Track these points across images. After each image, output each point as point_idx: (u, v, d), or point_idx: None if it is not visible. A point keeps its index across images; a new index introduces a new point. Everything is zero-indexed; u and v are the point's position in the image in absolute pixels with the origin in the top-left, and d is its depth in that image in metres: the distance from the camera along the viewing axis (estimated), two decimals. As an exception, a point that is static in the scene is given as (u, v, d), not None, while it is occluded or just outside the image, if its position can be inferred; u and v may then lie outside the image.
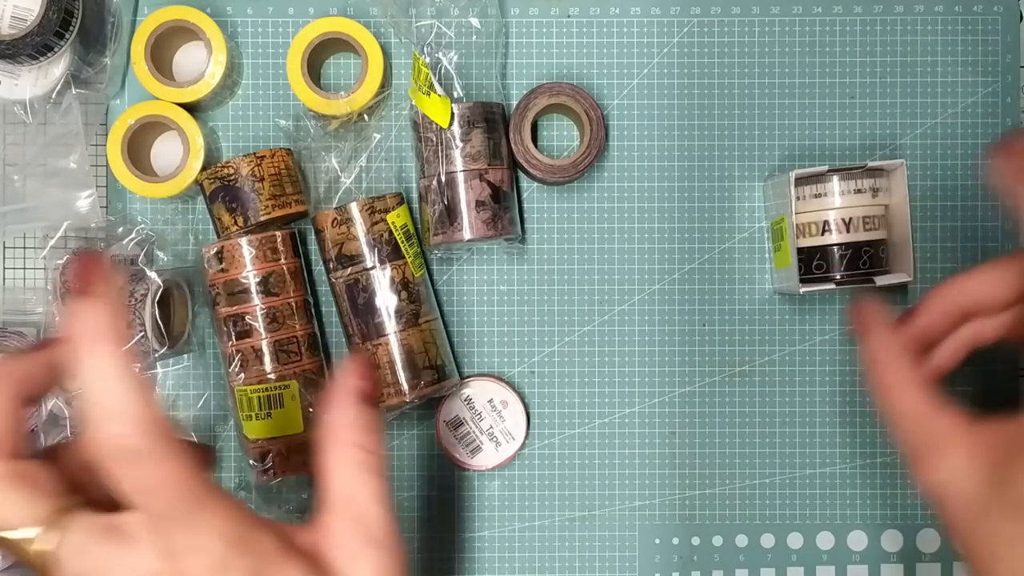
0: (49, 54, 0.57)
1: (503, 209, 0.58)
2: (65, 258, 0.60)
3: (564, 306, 0.63)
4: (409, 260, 0.59)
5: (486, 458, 0.61)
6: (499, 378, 0.62)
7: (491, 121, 0.58)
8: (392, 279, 0.58)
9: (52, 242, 0.59)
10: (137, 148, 0.60)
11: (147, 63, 0.59)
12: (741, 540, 0.63)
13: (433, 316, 0.60)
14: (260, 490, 0.60)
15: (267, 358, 0.57)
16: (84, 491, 0.35)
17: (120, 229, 0.60)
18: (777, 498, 0.63)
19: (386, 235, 0.58)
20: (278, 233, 0.58)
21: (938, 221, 0.63)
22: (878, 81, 0.63)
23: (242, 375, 0.57)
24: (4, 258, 0.64)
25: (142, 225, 0.60)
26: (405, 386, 0.58)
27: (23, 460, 0.35)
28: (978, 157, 0.63)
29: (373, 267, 0.58)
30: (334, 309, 0.61)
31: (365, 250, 0.58)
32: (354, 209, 0.58)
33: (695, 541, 0.63)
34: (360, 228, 0.58)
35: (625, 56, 0.63)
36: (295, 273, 0.59)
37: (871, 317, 0.46)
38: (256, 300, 0.57)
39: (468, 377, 0.62)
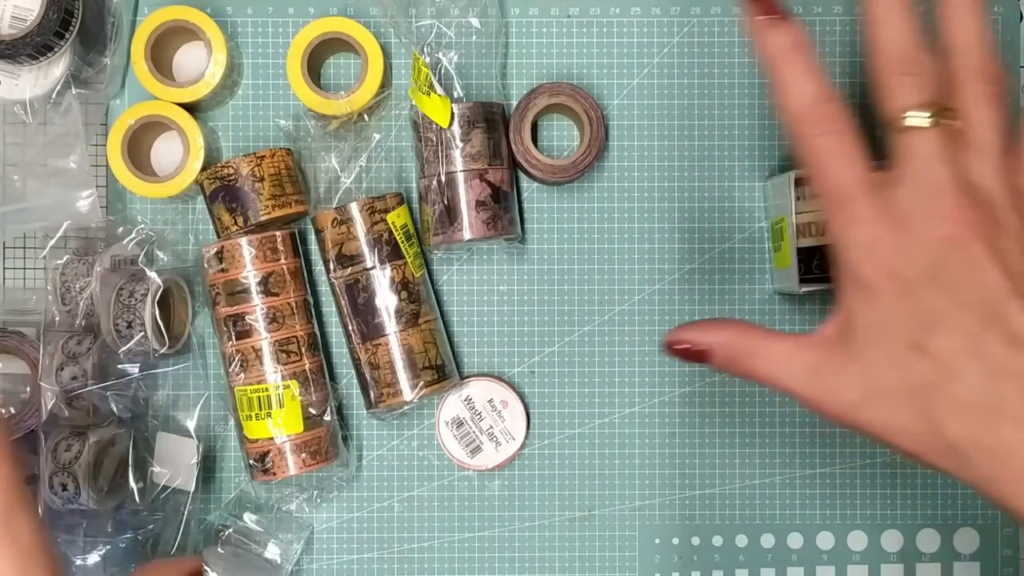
0: (49, 54, 0.57)
1: (503, 209, 0.59)
2: (65, 258, 0.60)
3: (564, 306, 0.63)
4: (409, 260, 0.59)
5: (486, 458, 0.61)
6: (499, 378, 0.62)
7: (491, 121, 0.58)
8: (392, 279, 0.58)
9: (52, 242, 0.59)
10: (137, 148, 0.60)
11: (147, 63, 0.59)
12: (741, 540, 0.63)
13: (433, 316, 0.60)
14: (260, 490, 0.60)
15: (267, 358, 0.57)
16: None
17: (120, 229, 0.60)
18: (777, 498, 0.63)
19: (386, 235, 0.58)
20: (278, 233, 0.58)
21: (938, 221, 0.63)
22: (878, 81, 0.63)
23: (242, 375, 0.57)
24: (4, 258, 0.64)
25: (142, 225, 0.60)
26: (405, 386, 0.58)
27: None
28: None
29: (373, 267, 0.58)
30: (334, 309, 0.61)
31: (365, 250, 0.58)
32: (354, 209, 0.58)
33: (695, 541, 0.63)
34: (360, 228, 0.58)
35: (625, 56, 0.63)
36: (295, 273, 0.59)
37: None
38: (256, 300, 0.57)
39: (468, 377, 0.62)
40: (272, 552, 0.60)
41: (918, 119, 0.39)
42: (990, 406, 0.36)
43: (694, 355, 0.44)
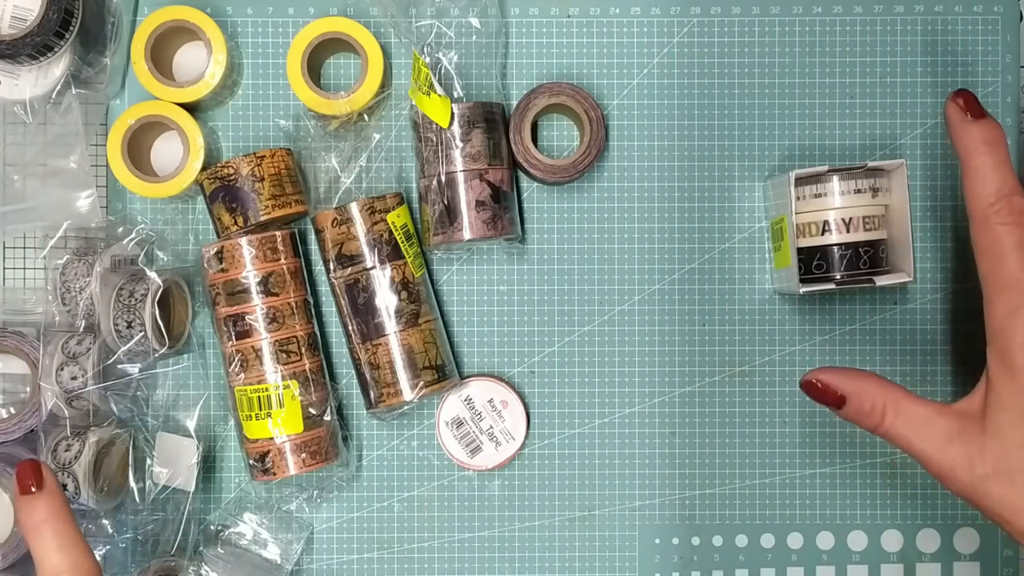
0: (49, 54, 0.57)
1: (503, 209, 0.59)
2: (65, 258, 0.60)
3: (564, 306, 0.63)
4: (409, 260, 0.59)
5: (486, 458, 0.61)
6: (499, 378, 0.62)
7: (491, 121, 0.58)
8: (392, 279, 0.58)
9: (52, 242, 0.59)
10: (137, 148, 0.60)
11: (147, 63, 0.59)
12: (741, 540, 0.63)
13: (433, 316, 0.60)
14: (260, 490, 0.60)
15: (267, 358, 0.57)
16: None
17: (120, 229, 0.60)
18: (777, 498, 0.63)
19: (386, 235, 0.58)
20: (278, 233, 0.58)
21: (938, 221, 0.63)
22: (878, 81, 0.63)
23: (242, 375, 0.57)
24: (4, 258, 0.64)
25: (142, 225, 0.60)
26: (405, 386, 0.58)
27: None
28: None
29: (373, 267, 0.58)
30: (334, 309, 0.61)
31: (365, 250, 0.58)
32: (354, 209, 0.58)
33: (695, 541, 0.63)
34: (360, 228, 0.58)
35: (625, 56, 0.63)
36: (295, 273, 0.59)
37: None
38: (256, 300, 0.57)
39: (468, 377, 0.62)
40: (272, 552, 0.60)
41: None
42: None
43: (830, 398, 0.46)
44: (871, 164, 0.57)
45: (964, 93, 0.47)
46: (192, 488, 0.59)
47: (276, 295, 0.57)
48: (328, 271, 0.59)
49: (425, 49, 0.59)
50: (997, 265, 0.43)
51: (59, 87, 0.58)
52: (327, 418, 0.58)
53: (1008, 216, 0.43)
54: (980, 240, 0.44)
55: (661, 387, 0.63)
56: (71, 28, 0.57)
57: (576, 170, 0.59)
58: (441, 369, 0.59)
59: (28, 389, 0.59)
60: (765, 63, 0.63)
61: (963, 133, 0.46)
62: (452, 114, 0.57)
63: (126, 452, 0.58)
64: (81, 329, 0.59)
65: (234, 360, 0.57)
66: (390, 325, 0.58)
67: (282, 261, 0.58)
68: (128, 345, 0.57)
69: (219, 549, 0.59)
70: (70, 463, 0.55)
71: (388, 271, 0.58)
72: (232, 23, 0.63)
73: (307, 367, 0.58)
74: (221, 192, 0.58)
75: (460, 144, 0.58)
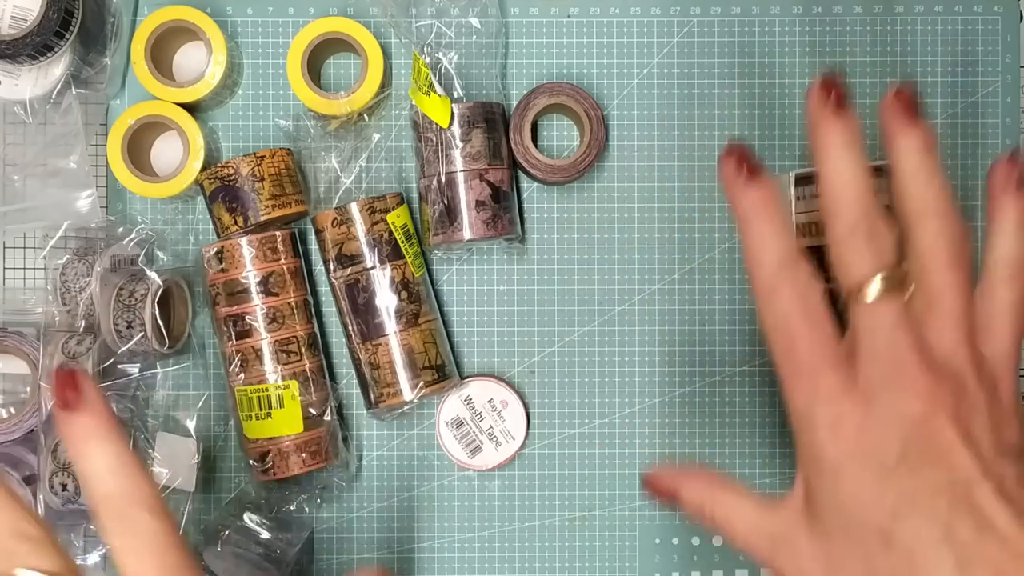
0: (49, 54, 0.57)
1: (503, 209, 0.59)
2: (65, 258, 0.60)
3: (564, 306, 0.63)
4: (409, 260, 0.59)
5: (486, 458, 0.61)
6: (499, 378, 0.62)
7: (491, 121, 0.58)
8: (392, 279, 0.58)
9: (52, 242, 0.59)
10: (137, 148, 0.60)
11: (147, 63, 0.59)
12: (741, 540, 0.63)
13: (433, 316, 0.60)
14: (260, 490, 0.60)
15: (267, 358, 0.57)
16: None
17: (120, 229, 0.60)
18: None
19: (386, 235, 0.58)
20: (278, 233, 0.58)
21: (938, 221, 0.63)
22: (878, 81, 0.63)
23: (242, 375, 0.57)
24: (4, 258, 0.64)
25: (142, 225, 0.60)
26: (405, 386, 0.58)
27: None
28: (978, 157, 0.63)
29: (373, 267, 0.58)
30: (334, 309, 0.61)
31: (365, 250, 0.58)
32: (354, 209, 0.58)
33: (695, 541, 0.63)
34: (360, 228, 0.58)
35: (625, 56, 0.63)
36: (295, 273, 0.59)
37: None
38: (256, 300, 0.57)
39: (468, 377, 0.62)
40: (272, 552, 0.60)
41: (879, 289, 0.37)
42: None
43: (665, 497, 0.42)
44: (871, 164, 0.57)
45: (738, 149, 0.40)
46: (192, 488, 0.59)
47: (276, 295, 0.57)
48: (328, 271, 0.59)
49: (425, 49, 0.59)
50: (789, 348, 0.38)
51: (59, 87, 0.58)
52: (327, 418, 0.58)
53: (791, 288, 0.38)
54: (767, 318, 0.39)
55: (661, 387, 0.63)
56: (71, 28, 0.57)
57: (576, 170, 0.59)
58: (441, 369, 0.59)
59: (28, 389, 0.59)
60: (765, 63, 0.63)
61: (737, 199, 0.40)
62: (452, 114, 0.57)
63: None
64: (81, 329, 0.59)
65: (234, 360, 0.57)
66: (390, 325, 0.58)
67: (282, 261, 0.58)
68: (128, 345, 0.57)
69: (219, 549, 0.59)
70: (70, 463, 0.55)
71: (388, 271, 0.58)
72: (232, 23, 0.63)
73: (307, 367, 0.58)
74: (221, 192, 0.58)
75: (460, 144, 0.58)
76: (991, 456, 0.35)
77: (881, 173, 0.59)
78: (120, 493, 0.34)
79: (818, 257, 0.58)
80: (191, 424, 0.61)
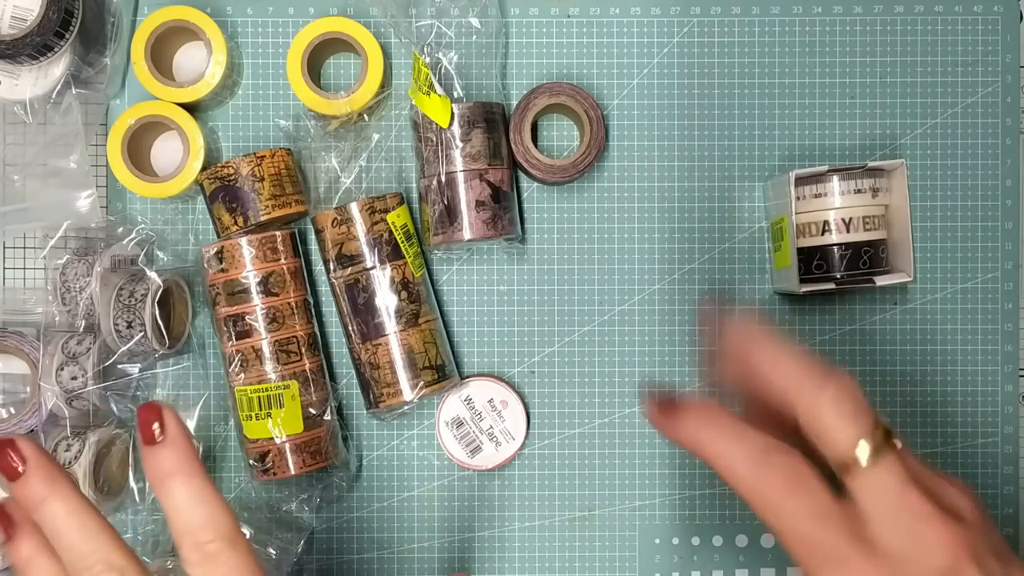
0: (49, 54, 0.57)
1: (503, 209, 0.58)
2: (65, 258, 0.60)
3: (564, 306, 0.63)
4: (409, 260, 0.59)
5: (486, 458, 0.61)
6: (499, 378, 0.62)
7: (491, 121, 0.58)
8: (392, 279, 0.58)
9: (52, 242, 0.59)
10: (137, 148, 0.60)
11: (147, 63, 0.59)
12: (741, 540, 0.63)
13: (433, 316, 0.60)
14: (260, 490, 0.60)
15: (267, 358, 0.57)
16: None
17: (120, 229, 0.60)
18: (777, 498, 0.63)
19: (386, 235, 0.58)
20: (278, 233, 0.58)
21: (938, 221, 0.63)
22: (878, 81, 0.63)
23: (242, 375, 0.57)
24: (4, 258, 0.64)
25: (142, 225, 0.60)
26: (405, 386, 0.58)
27: None
28: (978, 157, 0.63)
29: (373, 267, 0.58)
30: (334, 309, 0.61)
31: (365, 250, 0.58)
32: (354, 209, 0.58)
33: (695, 541, 0.63)
34: (360, 228, 0.58)
35: (625, 56, 0.63)
36: (295, 273, 0.59)
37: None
38: (256, 300, 0.57)
39: (468, 377, 0.62)
40: (272, 552, 0.60)
41: (872, 450, 0.36)
42: None
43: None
44: (871, 164, 0.57)
45: (653, 396, 0.40)
46: (192, 488, 0.59)
47: (276, 295, 0.57)
48: (328, 271, 0.59)
49: (425, 49, 0.59)
50: (803, 542, 0.37)
51: (59, 87, 0.58)
52: (327, 418, 0.58)
53: (786, 484, 0.37)
54: (766, 519, 0.38)
55: (661, 387, 0.63)
56: (71, 28, 0.57)
57: (576, 170, 0.59)
58: (441, 369, 0.59)
59: (28, 389, 0.59)
60: (765, 63, 0.63)
61: (680, 432, 0.40)
62: (452, 114, 0.57)
63: (126, 452, 0.58)
64: (81, 329, 0.59)
65: (234, 360, 0.57)
66: (390, 325, 0.58)
67: (282, 261, 0.58)
68: (128, 345, 0.57)
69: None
70: (70, 463, 0.55)
71: (388, 271, 0.58)
72: (232, 23, 0.63)
73: (307, 367, 0.58)
74: (221, 192, 0.58)
75: (460, 144, 0.58)
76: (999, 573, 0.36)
77: (876, 173, 0.59)
78: (200, 526, 0.36)
79: (818, 257, 0.58)
80: (191, 424, 0.61)
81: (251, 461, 0.58)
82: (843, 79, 0.63)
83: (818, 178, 0.58)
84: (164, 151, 0.63)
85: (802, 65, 0.63)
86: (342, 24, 0.60)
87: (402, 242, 0.58)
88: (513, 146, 0.59)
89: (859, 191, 0.57)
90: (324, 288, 0.63)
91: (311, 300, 0.60)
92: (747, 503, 0.38)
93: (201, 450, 0.60)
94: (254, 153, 0.58)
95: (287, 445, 0.57)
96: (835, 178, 0.57)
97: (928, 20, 0.63)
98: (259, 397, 0.57)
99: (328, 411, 0.58)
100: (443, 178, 0.58)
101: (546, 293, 0.63)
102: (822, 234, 0.58)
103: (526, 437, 0.62)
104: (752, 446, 0.37)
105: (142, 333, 0.57)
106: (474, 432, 0.61)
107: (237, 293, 0.57)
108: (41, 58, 0.57)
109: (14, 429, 0.58)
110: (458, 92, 0.59)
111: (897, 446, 0.37)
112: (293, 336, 0.58)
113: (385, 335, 0.58)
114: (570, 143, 0.64)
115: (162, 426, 0.37)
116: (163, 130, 0.62)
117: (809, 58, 0.63)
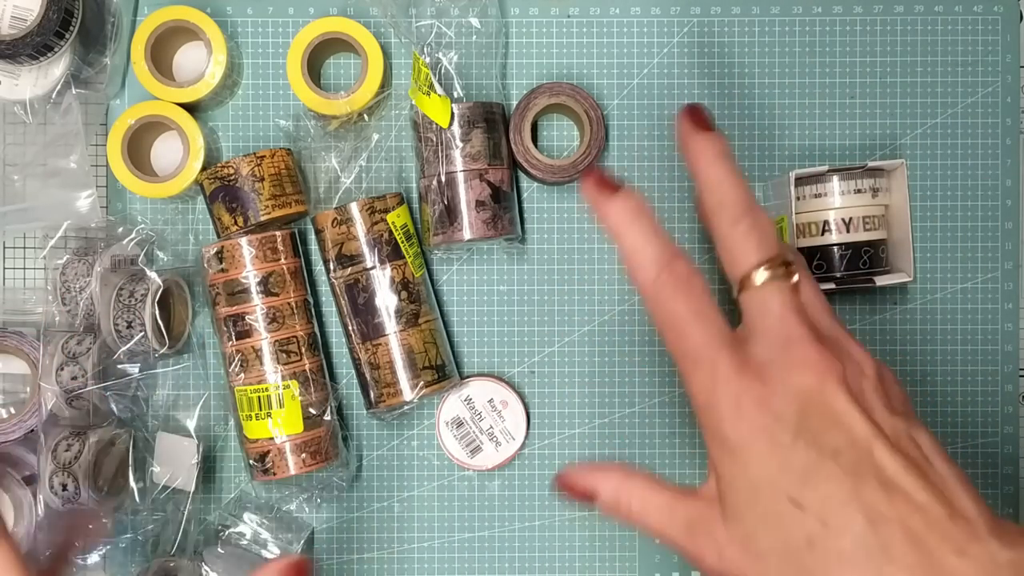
0: (49, 54, 0.57)
1: (503, 209, 0.59)
2: (65, 258, 0.60)
3: (564, 306, 0.63)
4: (409, 260, 0.59)
5: (486, 458, 0.61)
6: (499, 378, 0.62)
7: (491, 121, 0.58)
8: (392, 279, 0.58)
9: (52, 242, 0.59)
10: (137, 148, 0.60)
11: (147, 63, 0.59)
12: (741, 540, 0.63)
13: (433, 316, 0.60)
14: (260, 490, 0.60)
15: (267, 358, 0.57)
16: None
17: (120, 229, 0.60)
18: (777, 498, 0.63)
19: (386, 235, 0.58)
20: (278, 233, 0.58)
21: (938, 221, 0.63)
22: (878, 81, 0.63)
23: (242, 375, 0.57)
24: (4, 258, 0.64)
25: (142, 225, 0.60)
26: (405, 386, 0.58)
27: None
28: (978, 157, 0.63)
29: (373, 267, 0.58)
30: (334, 309, 0.61)
31: (365, 250, 0.58)
32: (354, 209, 0.58)
33: (695, 541, 0.63)
34: (360, 228, 0.58)
35: (625, 56, 0.63)
36: (295, 273, 0.59)
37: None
38: (256, 300, 0.57)
39: (468, 377, 0.62)
40: (272, 552, 0.60)
41: (767, 276, 0.38)
42: (875, 555, 0.35)
43: (579, 494, 0.43)
44: (871, 164, 0.57)
45: (595, 173, 0.42)
46: (192, 488, 0.59)
47: (276, 295, 0.57)
48: (328, 271, 0.59)
49: (425, 49, 0.59)
50: (682, 342, 0.39)
51: (59, 87, 0.58)
52: (327, 418, 0.58)
53: (675, 288, 0.39)
54: (656, 317, 0.40)
55: (661, 387, 0.63)
56: (71, 28, 0.57)
57: (576, 170, 0.59)
58: (441, 369, 0.59)
59: (28, 389, 0.59)
60: (765, 63, 0.63)
61: (604, 213, 0.41)
62: (452, 114, 0.57)
63: (126, 452, 0.58)
64: (81, 329, 0.59)
65: (234, 360, 0.57)
66: (390, 325, 0.58)
67: (282, 261, 0.58)
68: (128, 345, 0.57)
69: (219, 549, 0.59)
70: (70, 463, 0.55)
71: (388, 271, 0.58)
72: (232, 23, 0.63)
73: (307, 367, 0.58)
74: (221, 192, 0.58)
75: (460, 144, 0.58)
76: (883, 417, 0.37)
77: (876, 173, 0.59)
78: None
79: (818, 257, 0.58)
80: (191, 424, 0.61)
81: (251, 461, 0.58)
82: (843, 79, 0.63)
83: (818, 178, 0.58)
84: (164, 151, 0.63)
85: (802, 65, 0.63)
86: (342, 24, 0.60)
87: (402, 242, 0.58)
88: (513, 146, 0.59)
89: (859, 191, 0.57)
90: (324, 288, 0.63)
91: (311, 300, 0.60)
92: (643, 301, 0.40)
93: (201, 450, 0.60)
94: (254, 153, 0.58)
95: (287, 445, 0.57)
96: (835, 178, 0.57)
97: (928, 20, 0.63)
98: (259, 397, 0.57)
99: (328, 411, 0.58)
100: (443, 178, 0.58)
101: (546, 293, 0.63)
102: (822, 234, 0.58)
103: (526, 437, 0.62)
104: (662, 250, 0.39)
105: (142, 333, 0.57)
106: (474, 432, 0.61)
107: (237, 293, 0.57)
108: (41, 58, 0.57)
109: (14, 429, 0.58)
110: (458, 92, 0.59)
111: (793, 279, 0.39)
112: (293, 336, 0.58)
113: (385, 335, 0.58)
114: (570, 143, 0.64)
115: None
116: (163, 130, 0.62)
117: (809, 58, 0.63)
